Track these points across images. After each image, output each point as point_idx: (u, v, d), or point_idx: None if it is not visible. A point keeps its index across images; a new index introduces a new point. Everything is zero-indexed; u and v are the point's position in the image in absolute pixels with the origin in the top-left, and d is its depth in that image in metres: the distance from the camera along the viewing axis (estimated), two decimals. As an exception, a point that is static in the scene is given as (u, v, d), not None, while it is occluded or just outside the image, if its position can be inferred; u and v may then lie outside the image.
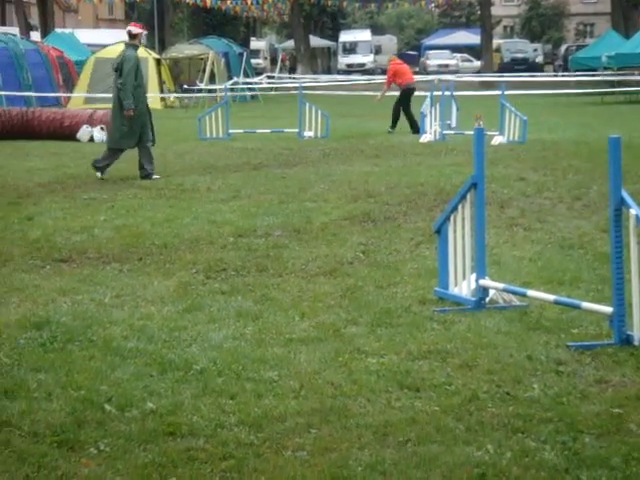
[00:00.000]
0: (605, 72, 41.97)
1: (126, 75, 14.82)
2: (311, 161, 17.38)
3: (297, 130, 22.76)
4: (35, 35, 52.85)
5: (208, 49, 39.20)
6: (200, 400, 5.27)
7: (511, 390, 5.38)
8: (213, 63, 38.64)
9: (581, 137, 21.01)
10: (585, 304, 6.61)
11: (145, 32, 15.42)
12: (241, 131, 23.08)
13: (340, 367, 5.82)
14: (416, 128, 22.49)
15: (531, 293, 6.98)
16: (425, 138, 21.22)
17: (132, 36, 15.20)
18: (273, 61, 51.68)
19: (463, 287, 7.32)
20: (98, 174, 14.78)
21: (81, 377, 5.63)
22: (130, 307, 7.26)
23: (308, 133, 22.51)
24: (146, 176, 14.76)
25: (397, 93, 24.08)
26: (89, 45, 46.85)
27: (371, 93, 35.13)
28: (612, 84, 39.91)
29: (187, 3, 55.60)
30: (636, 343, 6.09)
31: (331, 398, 5.30)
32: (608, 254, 6.58)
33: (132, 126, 14.96)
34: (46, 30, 54.42)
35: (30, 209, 11.86)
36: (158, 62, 35.89)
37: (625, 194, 6.18)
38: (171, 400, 5.27)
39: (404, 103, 23.60)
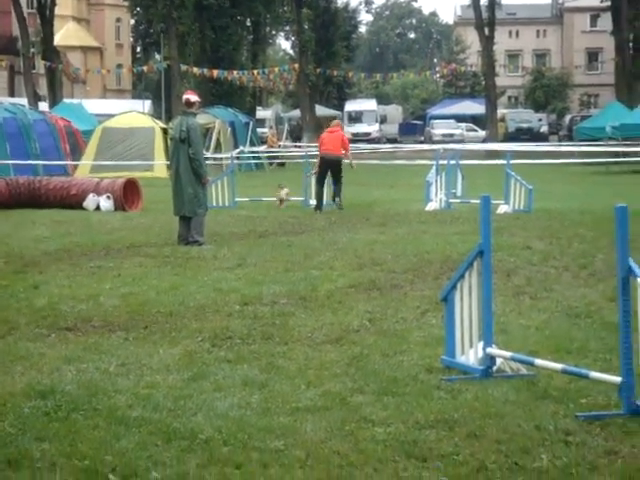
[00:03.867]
0: (610, 142, 42.18)
1: (196, 145, 15.16)
2: (317, 229, 17.42)
3: (303, 199, 22.85)
4: (43, 105, 53.42)
5: (214, 118, 39.53)
6: (206, 470, 5.22)
7: (519, 460, 5.32)
8: (219, 132, 38.94)
9: (586, 206, 21.06)
10: (593, 374, 6.57)
11: (200, 100, 15.70)
12: (247, 199, 23.19)
13: (347, 436, 5.77)
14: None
15: (539, 362, 6.94)
16: (431, 206, 21.29)
17: (190, 104, 15.37)
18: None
19: (470, 355, 7.29)
20: (205, 246, 14.73)
21: (85, 447, 5.58)
22: (135, 375, 7.22)
23: (313, 201, 22.57)
24: (194, 242, 14.87)
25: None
26: (97, 115, 47.32)
27: (376, 162, 35.36)
28: (617, 154, 40.10)
29: (194, 74, 56.20)
30: (646, 413, 6.04)
31: (338, 468, 5.25)
32: (616, 323, 6.55)
33: (205, 193, 15.54)
34: (54, 100, 55.00)
35: (36, 277, 11.87)
36: (164, 131, 36.14)
37: (632, 263, 6.18)
38: (176, 470, 5.22)
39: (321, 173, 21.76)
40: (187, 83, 60.93)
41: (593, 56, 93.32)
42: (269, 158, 42.32)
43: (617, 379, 6.25)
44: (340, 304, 9.97)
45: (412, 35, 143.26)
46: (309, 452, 5.48)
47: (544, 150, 41.24)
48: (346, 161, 21.88)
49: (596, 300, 10.03)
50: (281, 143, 47.72)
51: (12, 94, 67.68)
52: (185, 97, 15.63)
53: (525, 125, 69.40)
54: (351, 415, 6.17)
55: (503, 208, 20.53)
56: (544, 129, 70.87)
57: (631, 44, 62.57)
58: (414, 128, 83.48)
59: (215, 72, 54.09)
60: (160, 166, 32.77)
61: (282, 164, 42.22)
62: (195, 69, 54.90)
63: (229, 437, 5.73)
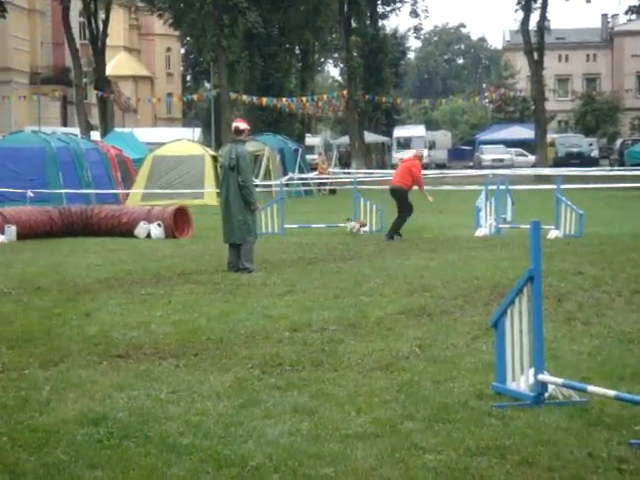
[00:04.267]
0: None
1: (246, 172, 15.25)
2: (366, 255, 17.41)
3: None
4: (95, 134, 54.06)
5: (263, 146, 39.75)
6: (256, 497, 5.22)
7: (573, 488, 5.27)
8: (269, 159, 39.14)
9: (638, 231, 20.85)
10: (647, 400, 6.49)
11: (249, 127, 15.79)
12: (296, 226, 23.25)
13: (397, 463, 5.75)
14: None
15: (591, 389, 6.87)
16: (480, 232, 21.20)
17: (239, 132, 15.50)
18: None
19: (521, 382, 7.23)
20: (255, 273, 14.85)
21: (137, 474, 5.61)
22: (186, 403, 7.25)
23: (364, 228, 22.61)
24: (244, 270, 14.95)
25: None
26: (148, 143, 47.76)
27: (426, 187, 35.24)
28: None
29: (243, 101, 56.58)
30: (700, 440, 5.95)
31: (388, 496, 5.22)
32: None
33: (255, 220, 15.59)
34: (106, 129, 55.63)
35: (88, 305, 11.98)
36: (214, 159, 36.40)
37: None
38: (227, 497, 5.22)
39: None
40: (236, 111, 61.32)
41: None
42: (319, 184, 42.44)
43: (671, 406, 6.17)
44: (390, 330, 9.95)
45: (460, 61, 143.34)
46: (359, 479, 5.46)
47: (595, 175, 40.93)
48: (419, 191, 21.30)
49: (649, 325, 9.92)
50: (330, 169, 47.86)
51: (65, 124, 68.56)
52: (234, 125, 15.74)
53: (575, 150, 68.93)
54: (401, 442, 6.15)
55: (554, 233, 20.39)
56: (595, 153, 70.35)
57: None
58: (463, 153, 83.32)
59: (264, 100, 54.40)
60: (210, 193, 32.96)
61: (333, 191, 42.32)
62: (244, 97, 55.26)
63: (279, 464, 5.73)
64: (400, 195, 21.16)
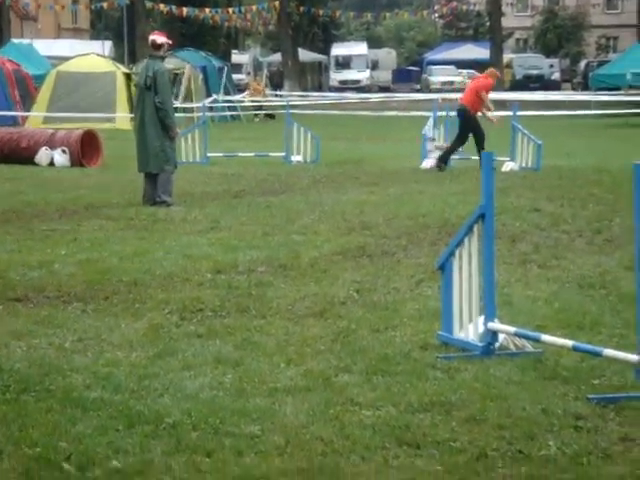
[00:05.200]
0: (630, 91, 42.18)
1: (164, 92, 15.11)
2: (299, 189, 17.43)
3: (284, 154, 22.82)
4: (-12, 46, 53.07)
5: (184, 63, 39.36)
6: (172, 458, 5.24)
7: (524, 448, 5.36)
8: (189, 78, 38.80)
9: (603, 164, 21.10)
10: (607, 351, 6.60)
11: (168, 42, 15.51)
12: (220, 154, 23.15)
13: (331, 420, 5.80)
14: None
15: (546, 338, 6.97)
16: (428, 164, 21.29)
17: (156, 46, 15.29)
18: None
19: (470, 331, 7.32)
20: (173, 207, 14.70)
21: (37, 432, 5.60)
22: (94, 352, 7.24)
23: (296, 157, 22.59)
24: (161, 203, 14.82)
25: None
26: (50, 57, 47.02)
27: (366, 113, 35.33)
28: (638, 105, 40.12)
29: (161, 11, 55.86)
30: (665, 395, 6.09)
31: (320, 456, 5.28)
32: (633, 295, 6.59)
33: (174, 147, 15.40)
34: (1, 40, 54.60)
35: (-19, 241, 11.85)
36: (128, 77, 35.98)
37: (654, 228, 6.19)
38: (139, 458, 5.24)
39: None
40: (153, 22, 60.58)
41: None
42: (255, 108, 42.27)
43: (634, 357, 6.29)
44: (325, 273, 9.99)
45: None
46: (288, 438, 5.51)
47: (555, 100, 41.22)
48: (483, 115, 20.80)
49: (612, 269, 10.08)
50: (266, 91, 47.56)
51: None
52: (151, 38, 15.55)
53: (535, 72, 69.28)
54: (336, 397, 6.20)
55: (509, 165, 20.56)
56: (556, 76, 70.81)
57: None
58: (409, 75, 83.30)
59: (184, 10, 53.75)
60: (122, 117, 32.63)
61: (271, 116, 42.13)
62: (162, 6, 54.52)
63: (199, 421, 5.75)
64: (461, 115, 20.88)
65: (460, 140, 20.96)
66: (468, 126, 20.64)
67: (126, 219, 13.66)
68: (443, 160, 20.72)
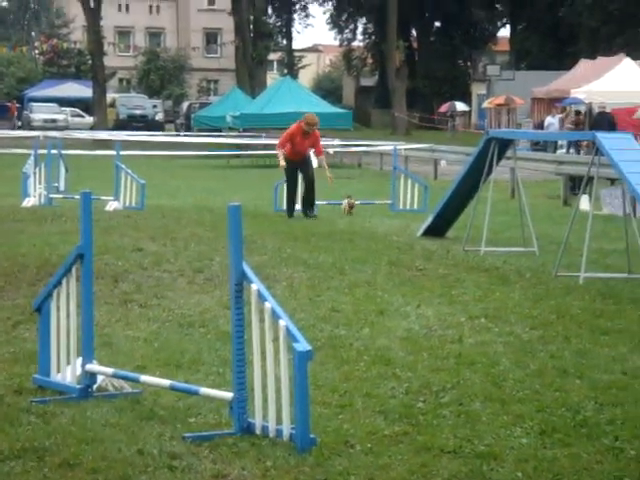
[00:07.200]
0: (230, 133, 43.44)
1: None
2: None
3: None
4: None
5: None
6: None
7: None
8: None
9: (204, 203, 21.49)
10: (203, 389, 6.69)
11: None
12: None
13: None
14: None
15: (145, 378, 6.98)
16: (29, 202, 20.88)
17: None
18: None
19: (67, 373, 7.20)
20: None
21: None
22: None
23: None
24: None
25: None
26: None
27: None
28: (238, 146, 41.33)
29: None
30: (257, 432, 6.23)
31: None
32: (230, 333, 6.72)
33: None
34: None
35: None
36: None
37: (247, 267, 6.34)
38: None
39: None
40: None
41: (212, 37, 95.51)
42: None
43: (228, 395, 6.40)
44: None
45: (5, 3, 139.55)
46: None
47: (158, 140, 41.76)
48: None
49: (211, 308, 10.25)
50: None
51: None
52: None
53: (138, 112, 69.81)
54: None
55: (113, 205, 20.51)
56: (160, 117, 71.65)
57: (252, 26, 64.81)
58: (4, 111, 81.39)
59: None
60: None
61: None
62: None
63: None
64: None
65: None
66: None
67: None
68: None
